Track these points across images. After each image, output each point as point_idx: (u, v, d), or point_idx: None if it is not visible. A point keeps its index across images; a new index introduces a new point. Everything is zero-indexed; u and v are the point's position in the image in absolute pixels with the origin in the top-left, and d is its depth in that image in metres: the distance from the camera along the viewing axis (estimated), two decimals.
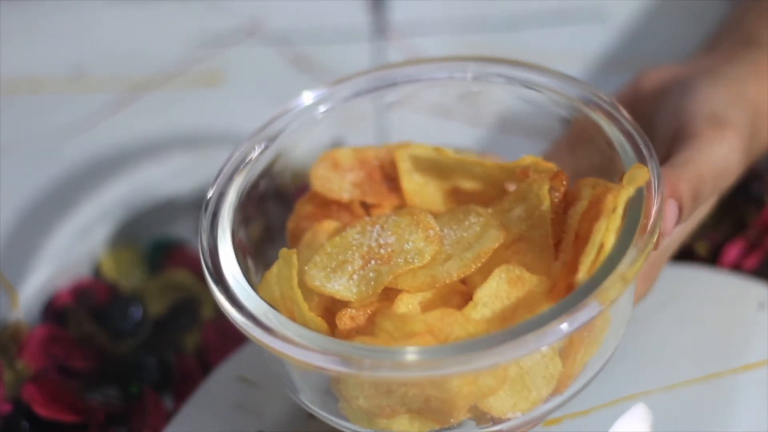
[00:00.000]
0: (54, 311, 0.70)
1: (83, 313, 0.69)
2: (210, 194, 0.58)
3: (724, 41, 0.70)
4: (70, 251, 0.72)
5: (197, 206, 0.75)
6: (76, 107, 0.80)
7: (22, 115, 0.80)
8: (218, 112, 0.80)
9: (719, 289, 0.64)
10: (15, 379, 0.66)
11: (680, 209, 0.56)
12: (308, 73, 0.82)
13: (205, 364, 0.67)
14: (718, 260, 0.68)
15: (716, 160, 0.58)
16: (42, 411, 0.64)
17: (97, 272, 0.72)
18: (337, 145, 0.62)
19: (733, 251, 0.68)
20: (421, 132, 0.62)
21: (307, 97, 0.61)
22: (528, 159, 0.57)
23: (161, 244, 0.73)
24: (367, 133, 0.63)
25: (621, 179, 0.54)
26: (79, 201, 0.74)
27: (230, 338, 0.68)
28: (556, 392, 0.53)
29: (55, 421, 0.64)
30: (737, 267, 0.68)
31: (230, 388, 0.63)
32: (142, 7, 0.85)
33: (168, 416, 0.64)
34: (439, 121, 0.67)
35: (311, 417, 0.61)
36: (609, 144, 0.57)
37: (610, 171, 0.57)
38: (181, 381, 0.66)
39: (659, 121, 0.62)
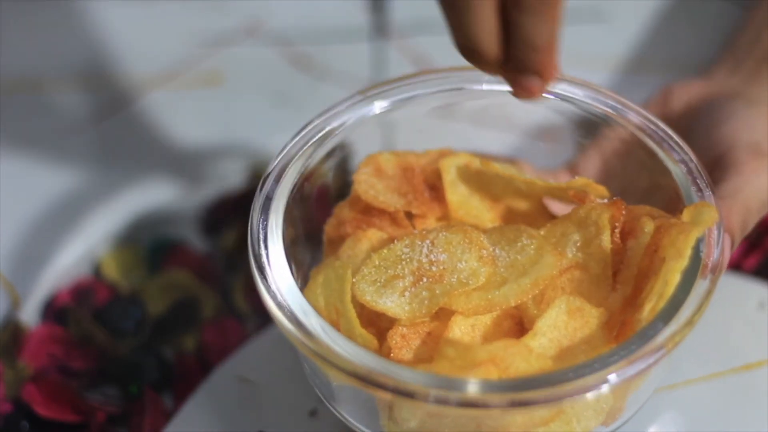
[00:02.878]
0: (54, 311, 0.69)
1: (83, 313, 0.69)
2: (261, 189, 0.56)
3: (746, 56, 0.70)
4: (71, 251, 0.72)
5: (197, 206, 0.75)
6: (76, 107, 0.80)
7: (22, 115, 0.80)
8: (218, 112, 0.80)
9: (719, 289, 0.64)
10: (15, 379, 0.66)
11: (731, 243, 0.56)
12: (308, 73, 0.82)
13: (205, 364, 0.67)
14: None
15: (761, 192, 0.58)
16: (42, 411, 0.64)
17: (98, 272, 0.72)
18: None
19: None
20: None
21: (355, 100, 0.59)
22: (580, 181, 0.56)
23: (161, 244, 0.73)
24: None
25: (680, 213, 0.53)
26: (79, 201, 0.74)
27: (230, 338, 0.68)
28: (603, 424, 0.53)
29: (55, 421, 0.64)
30: (737, 267, 0.68)
31: (230, 388, 0.63)
32: (142, 6, 0.85)
33: (168, 416, 0.64)
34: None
35: (311, 416, 0.61)
36: (663, 172, 0.56)
37: (655, 194, 0.56)
38: (181, 381, 0.66)
39: (695, 144, 0.62)
